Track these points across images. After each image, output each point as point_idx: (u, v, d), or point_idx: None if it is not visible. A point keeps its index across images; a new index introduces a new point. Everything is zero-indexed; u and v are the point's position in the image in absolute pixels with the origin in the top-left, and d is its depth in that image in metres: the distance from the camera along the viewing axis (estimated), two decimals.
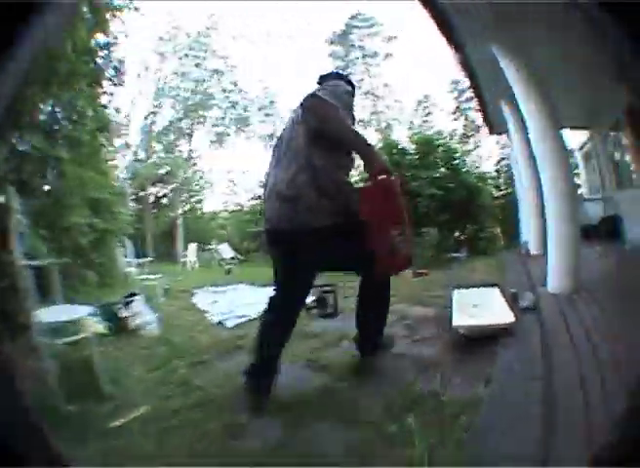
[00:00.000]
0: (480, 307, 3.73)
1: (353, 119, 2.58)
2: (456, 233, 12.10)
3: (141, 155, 20.86)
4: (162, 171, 20.66)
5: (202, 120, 22.11)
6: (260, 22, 33.47)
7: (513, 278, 5.51)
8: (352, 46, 24.67)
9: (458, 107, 23.20)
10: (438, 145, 12.26)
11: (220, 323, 4.55)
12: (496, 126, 8.90)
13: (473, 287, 4.63)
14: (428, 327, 3.76)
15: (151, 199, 20.89)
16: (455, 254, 10.26)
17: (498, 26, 4.58)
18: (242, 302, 5.56)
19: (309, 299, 4.12)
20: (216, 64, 22.33)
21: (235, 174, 21.53)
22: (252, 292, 6.73)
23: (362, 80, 23.50)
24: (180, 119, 21.50)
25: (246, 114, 22.94)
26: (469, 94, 22.34)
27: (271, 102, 23.57)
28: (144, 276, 6.80)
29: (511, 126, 7.64)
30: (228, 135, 22.71)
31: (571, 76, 6.08)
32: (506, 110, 7.32)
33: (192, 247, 14.59)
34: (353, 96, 2.74)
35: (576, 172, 10.55)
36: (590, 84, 6.35)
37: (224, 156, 24.63)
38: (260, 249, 13.79)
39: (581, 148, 10.41)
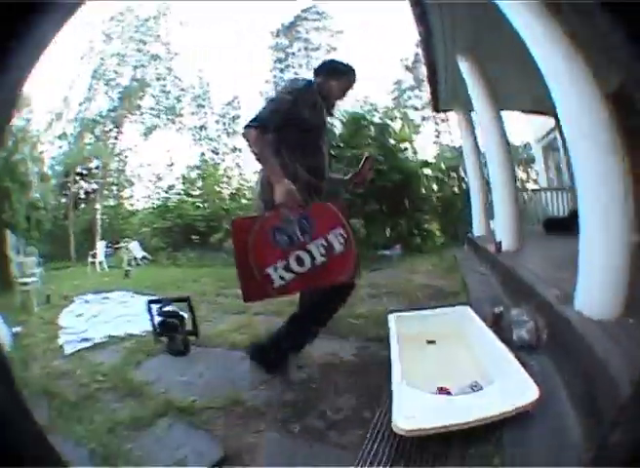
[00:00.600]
0: (449, 364, 2.50)
1: (314, 110, 2.52)
2: (387, 227, 10.75)
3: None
4: (92, 163, 19.71)
5: (135, 111, 21.25)
6: (211, 12, 32.99)
7: (481, 287, 4.26)
8: (298, 39, 24.59)
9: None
10: (371, 123, 11.18)
11: (61, 346, 3.85)
12: (442, 103, 8.53)
13: (424, 309, 3.37)
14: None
15: (82, 194, 19.78)
16: (385, 252, 9.23)
17: None
18: (108, 317, 4.93)
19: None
20: (157, 50, 21.59)
21: (161, 167, 20.26)
22: (130, 301, 5.99)
23: (297, 74, 23.37)
24: (115, 108, 20.56)
25: (179, 105, 22.36)
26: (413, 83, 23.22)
27: (205, 92, 23.08)
28: (24, 279, 6.15)
29: (459, 106, 7.71)
30: (158, 126, 21.83)
31: None
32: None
33: (100, 245, 13.48)
34: (326, 83, 2.64)
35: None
36: None
37: (154, 148, 24.18)
38: (169, 246, 13.03)
39: (542, 140, 10.33)
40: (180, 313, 3.37)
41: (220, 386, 2.44)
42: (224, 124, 22.75)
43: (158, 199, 16.16)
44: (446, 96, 7.91)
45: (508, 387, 1.86)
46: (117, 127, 20.38)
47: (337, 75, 2.64)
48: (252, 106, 19.38)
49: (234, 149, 21.62)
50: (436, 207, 12.07)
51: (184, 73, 22.08)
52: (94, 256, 12.44)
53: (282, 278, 2.23)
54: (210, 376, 2.64)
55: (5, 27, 0.57)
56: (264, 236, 2.24)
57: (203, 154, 20.55)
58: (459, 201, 11.43)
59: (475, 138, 7.80)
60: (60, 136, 19.26)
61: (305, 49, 24.40)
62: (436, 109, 9.29)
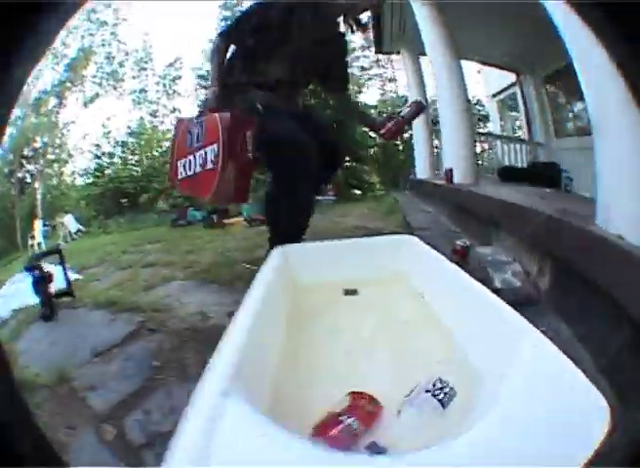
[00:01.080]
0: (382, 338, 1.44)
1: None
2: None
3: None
4: (37, 144, 18.61)
5: (79, 81, 19.97)
6: None
7: (429, 225, 3.92)
8: None
9: None
10: None
11: None
12: (386, 45, 8.20)
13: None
14: None
15: (28, 178, 18.71)
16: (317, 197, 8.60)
17: None
18: (22, 293, 4.19)
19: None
20: (105, 17, 20.35)
21: (100, 136, 18.99)
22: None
23: None
24: (60, 82, 19.22)
25: (121, 70, 21.21)
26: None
27: (148, 55, 21.74)
28: None
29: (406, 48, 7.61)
30: (99, 94, 20.69)
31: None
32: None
33: (37, 225, 12.64)
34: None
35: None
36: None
37: (95, 117, 23.04)
38: (101, 214, 12.71)
39: (497, 95, 10.01)
40: (46, 270, 2.76)
41: (57, 359, 1.90)
42: (164, 85, 21.58)
43: (96, 169, 15.74)
44: (391, 37, 7.72)
45: (523, 390, 0.76)
46: (60, 101, 19.19)
47: None
48: (194, 65, 18.41)
49: (173, 110, 20.71)
50: (377, 156, 11.79)
51: (129, 37, 21.84)
52: (32, 238, 11.83)
53: (181, 173, 2.41)
54: (60, 345, 2.15)
55: (4, 28, 0.56)
56: (183, 134, 2.43)
57: (142, 118, 19.77)
58: (401, 149, 11.24)
59: (423, 84, 7.57)
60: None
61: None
62: (380, 51, 8.83)
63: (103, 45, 20.42)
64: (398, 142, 11.79)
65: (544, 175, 6.16)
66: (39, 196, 17.39)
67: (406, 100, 9.29)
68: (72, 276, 3.18)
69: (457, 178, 4.49)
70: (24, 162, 18.21)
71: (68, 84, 19.29)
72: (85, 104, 20.08)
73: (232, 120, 2.18)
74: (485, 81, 10.21)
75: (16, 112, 17.76)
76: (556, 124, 7.79)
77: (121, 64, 21.01)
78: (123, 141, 16.16)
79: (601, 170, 1.67)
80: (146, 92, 21.39)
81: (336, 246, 2.10)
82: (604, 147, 1.69)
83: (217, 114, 2.23)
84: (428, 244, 1.90)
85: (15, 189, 17.21)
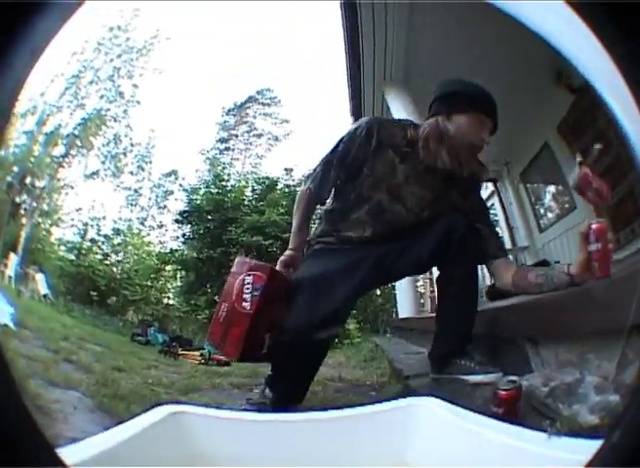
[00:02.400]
0: None
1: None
2: None
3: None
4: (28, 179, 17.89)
5: (88, 147, 18.93)
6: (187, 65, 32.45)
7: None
8: (244, 122, 24.80)
9: None
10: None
11: None
12: None
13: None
14: None
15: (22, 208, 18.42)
16: None
17: None
18: None
19: None
20: (124, 88, 19.69)
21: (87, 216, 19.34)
22: None
23: (237, 159, 23.46)
24: (71, 134, 18.32)
25: (124, 159, 20.99)
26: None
27: (148, 154, 22.14)
28: None
29: None
30: (99, 175, 20.46)
31: None
32: None
33: (12, 258, 12.19)
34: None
35: None
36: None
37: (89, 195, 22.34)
38: (70, 294, 12.31)
39: None
40: None
41: None
42: (157, 196, 21.83)
43: (78, 248, 15.22)
44: None
45: None
46: (67, 152, 18.24)
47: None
48: (187, 182, 19.04)
49: (160, 226, 20.85)
50: None
51: (136, 125, 21.23)
52: (5, 267, 11.22)
53: None
54: None
55: (4, 28, 0.59)
56: None
57: (130, 220, 19.69)
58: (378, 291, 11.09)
59: None
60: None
61: (248, 133, 24.07)
62: None
63: (116, 120, 19.64)
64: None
65: None
66: (24, 233, 15.83)
67: None
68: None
69: None
70: (24, 187, 16.86)
71: (77, 142, 18.45)
72: (85, 177, 18.87)
73: (236, 263, 2.14)
74: None
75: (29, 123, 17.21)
76: (538, 218, 7.57)
77: (125, 152, 19.92)
78: (107, 236, 15.69)
79: None
80: (140, 195, 20.41)
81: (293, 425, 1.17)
82: None
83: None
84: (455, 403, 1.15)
85: (9, 206, 15.94)
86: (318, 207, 2.25)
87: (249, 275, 2.04)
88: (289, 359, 1.96)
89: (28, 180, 16.97)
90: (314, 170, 2.15)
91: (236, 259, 2.19)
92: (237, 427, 1.06)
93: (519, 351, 1.84)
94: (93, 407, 2.39)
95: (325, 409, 1.17)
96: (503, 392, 1.32)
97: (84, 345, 5.01)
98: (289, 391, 2.04)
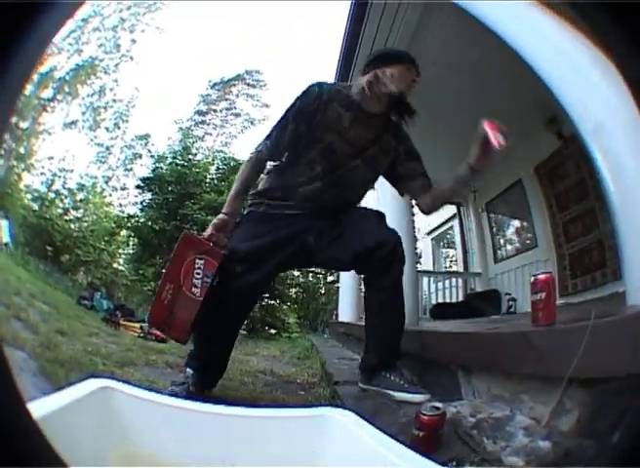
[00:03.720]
0: None
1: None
2: None
3: None
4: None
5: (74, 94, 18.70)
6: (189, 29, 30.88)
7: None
8: (226, 98, 24.34)
9: None
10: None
11: None
12: None
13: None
14: None
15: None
16: None
17: None
18: None
19: None
20: (123, 40, 19.47)
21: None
22: None
23: (210, 134, 22.99)
24: (64, 80, 18.11)
25: (103, 113, 19.71)
26: None
27: (127, 112, 21.67)
28: None
29: None
30: (76, 125, 18.87)
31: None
32: None
33: None
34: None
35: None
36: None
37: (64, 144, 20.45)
38: (29, 245, 11.95)
39: (432, 232, 10.12)
40: None
41: None
42: (126, 157, 21.13)
43: (42, 198, 14.74)
44: None
45: None
46: (54, 96, 17.92)
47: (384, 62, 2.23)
48: (156, 148, 18.51)
49: (123, 188, 20.22)
50: (297, 296, 11.60)
51: (123, 81, 20.66)
52: None
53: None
54: None
55: (4, 28, 0.58)
56: None
57: (96, 178, 18.45)
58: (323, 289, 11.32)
59: None
60: None
61: (227, 110, 23.94)
62: None
63: (106, 72, 19.43)
64: (321, 284, 11.83)
65: (482, 303, 6.03)
66: None
67: None
68: None
69: None
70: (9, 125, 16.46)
71: (66, 87, 18.12)
72: (64, 125, 18.52)
73: (182, 240, 2.06)
74: (419, 219, 10.22)
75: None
76: (495, 249, 7.76)
77: (106, 106, 19.75)
78: (71, 190, 15.23)
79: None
80: (110, 153, 19.71)
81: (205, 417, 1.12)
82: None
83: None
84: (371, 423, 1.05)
85: None
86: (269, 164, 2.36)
87: (200, 259, 1.98)
88: (205, 331, 2.13)
89: (14, 120, 16.60)
90: (269, 134, 2.27)
91: (183, 235, 2.11)
92: (161, 411, 1.06)
93: (451, 376, 1.89)
94: (36, 370, 2.40)
95: (244, 405, 1.17)
96: (426, 417, 1.33)
97: (33, 303, 5.09)
98: (202, 369, 2.18)
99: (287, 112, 2.24)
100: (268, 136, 2.27)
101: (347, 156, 2.22)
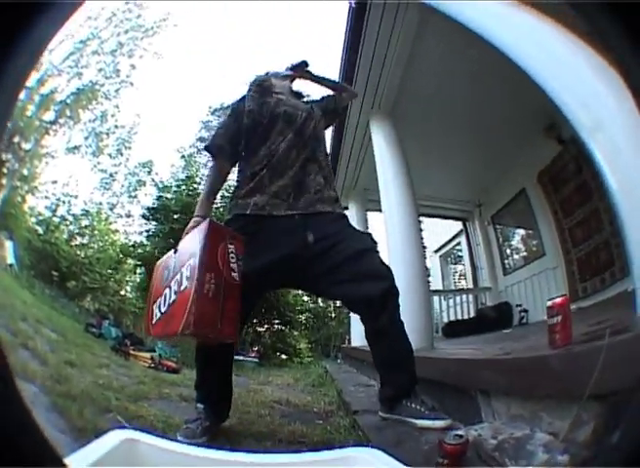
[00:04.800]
0: None
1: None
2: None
3: None
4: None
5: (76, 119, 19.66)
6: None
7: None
8: None
9: None
10: None
11: None
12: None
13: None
14: None
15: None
16: (237, 357, 8.08)
17: None
18: None
19: None
20: (123, 65, 19.05)
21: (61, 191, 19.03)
22: None
23: (208, 163, 23.09)
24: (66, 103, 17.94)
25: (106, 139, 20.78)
26: None
27: (129, 139, 21.88)
28: None
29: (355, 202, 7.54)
30: (79, 151, 20.20)
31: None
32: None
33: None
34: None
35: None
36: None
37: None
38: (34, 269, 11.96)
39: (440, 249, 10.16)
40: None
41: None
42: (130, 184, 21.25)
43: (47, 222, 14.60)
44: (342, 191, 7.25)
45: None
46: (56, 119, 17.53)
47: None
48: (160, 177, 18.62)
49: (128, 215, 20.29)
50: (308, 322, 11.46)
51: (124, 107, 20.89)
52: None
53: (155, 316, 2.06)
54: None
55: (4, 28, 0.60)
56: (159, 274, 2.19)
57: (101, 204, 19.22)
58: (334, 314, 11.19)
59: None
60: None
61: None
62: None
63: (107, 97, 19.22)
64: (331, 309, 11.66)
65: (493, 318, 6.20)
66: (1, 194, 14.81)
67: None
68: None
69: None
70: (11, 145, 16.60)
71: (67, 111, 17.80)
72: (67, 150, 18.05)
73: (210, 226, 1.97)
74: (427, 237, 10.07)
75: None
76: (504, 261, 7.76)
77: (108, 133, 19.26)
78: (76, 216, 15.15)
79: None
80: (114, 180, 20.88)
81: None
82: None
83: (197, 226, 2.10)
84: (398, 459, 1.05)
85: None
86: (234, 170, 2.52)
87: (231, 243, 1.98)
88: (202, 357, 2.25)
89: (17, 139, 16.68)
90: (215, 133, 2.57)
91: (210, 222, 2.02)
92: (184, 461, 1.06)
93: (471, 400, 1.88)
94: (48, 405, 2.37)
95: (266, 451, 1.19)
96: (450, 446, 1.34)
97: (40, 330, 5.08)
98: (209, 399, 2.24)
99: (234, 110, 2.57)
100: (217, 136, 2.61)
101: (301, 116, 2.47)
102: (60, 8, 0.67)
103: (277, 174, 2.24)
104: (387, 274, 2.14)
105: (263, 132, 2.36)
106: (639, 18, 0.61)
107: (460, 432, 1.38)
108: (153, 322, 2.06)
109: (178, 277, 1.98)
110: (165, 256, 2.25)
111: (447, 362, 2.64)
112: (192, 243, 2.01)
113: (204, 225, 1.99)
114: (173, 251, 2.16)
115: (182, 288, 1.90)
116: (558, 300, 1.69)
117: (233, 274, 1.93)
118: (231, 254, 1.97)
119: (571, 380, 1.32)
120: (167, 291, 2.02)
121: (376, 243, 2.32)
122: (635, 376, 1.05)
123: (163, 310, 2.02)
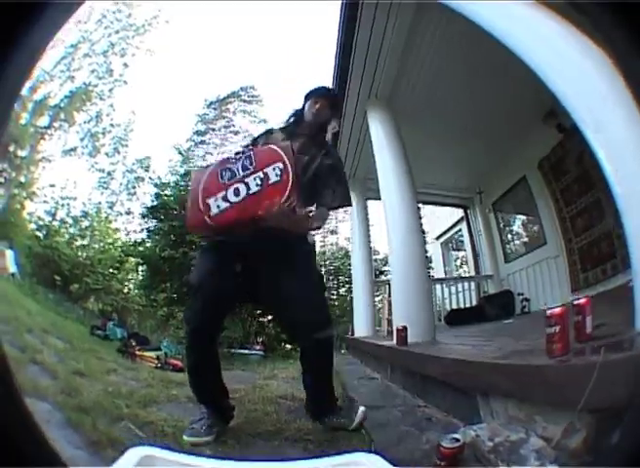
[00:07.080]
0: None
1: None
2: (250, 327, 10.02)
3: None
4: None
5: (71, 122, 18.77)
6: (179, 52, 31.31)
7: (378, 399, 3.21)
8: (223, 116, 24.28)
9: None
10: None
11: None
12: None
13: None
14: None
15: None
16: (242, 351, 8.57)
17: None
18: None
19: None
20: (115, 65, 19.60)
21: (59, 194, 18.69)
22: None
23: (210, 154, 22.93)
24: (60, 107, 18.32)
25: (102, 139, 19.65)
26: None
27: (126, 136, 21.67)
28: None
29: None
30: (75, 152, 18.85)
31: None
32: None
33: None
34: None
35: None
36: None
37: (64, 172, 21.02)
38: (36, 275, 12.02)
39: (441, 236, 10.19)
40: None
41: None
42: (128, 181, 21.05)
43: (47, 227, 14.77)
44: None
45: None
46: (50, 123, 18.04)
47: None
48: (158, 171, 17.84)
49: (128, 212, 20.12)
50: None
51: (119, 106, 20.64)
52: None
53: (218, 207, 2.41)
54: None
55: (4, 28, 0.60)
56: (213, 175, 2.48)
57: (100, 204, 18.32)
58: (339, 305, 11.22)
59: (368, 233, 7.52)
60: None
61: (225, 128, 23.92)
62: None
63: (101, 97, 19.45)
64: (334, 297, 11.70)
65: (496, 307, 6.20)
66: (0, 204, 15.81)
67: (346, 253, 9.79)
68: None
69: (411, 336, 3.77)
70: (7, 154, 16.19)
71: (62, 114, 18.12)
72: (63, 153, 18.44)
73: (285, 147, 2.41)
74: (428, 224, 10.37)
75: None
76: (505, 248, 7.95)
77: (104, 132, 19.76)
78: (75, 218, 15.32)
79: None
80: (112, 178, 19.70)
81: None
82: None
83: (267, 146, 2.51)
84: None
85: None
86: None
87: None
88: (190, 357, 2.46)
89: (12, 148, 16.62)
90: None
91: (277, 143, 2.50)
92: None
93: (471, 399, 1.96)
94: (62, 421, 2.46)
95: (278, 460, 1.24)
96: (446, 449, 1.46)
97: (47, 340, 5.21)
98: (207, 396, 2.49)
99: None
100: None
101: None
102: (60, 8, 0.69)
103: None
104: (330, 320, 2.50)
105: None
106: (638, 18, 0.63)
107: (456, 435, 1.46)
108: (212, 213, 2.40)
109: (257, 176, 2.39)
110: (218, 164, 2.55)
111: (446, 361, 2.65)
112: (273, 153, 2.41)
113: (276, 147, 2.43)
114: (236, 154, 2.54)
115: (273, 180, 2.35)
116: (557, 311, 1.73)
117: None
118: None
119: (565, 392, 1.38)
120: (237, 185, 2.40)
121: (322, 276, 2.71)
122: (627, 396, 1.12)
123: (234, 200, 2.39)
